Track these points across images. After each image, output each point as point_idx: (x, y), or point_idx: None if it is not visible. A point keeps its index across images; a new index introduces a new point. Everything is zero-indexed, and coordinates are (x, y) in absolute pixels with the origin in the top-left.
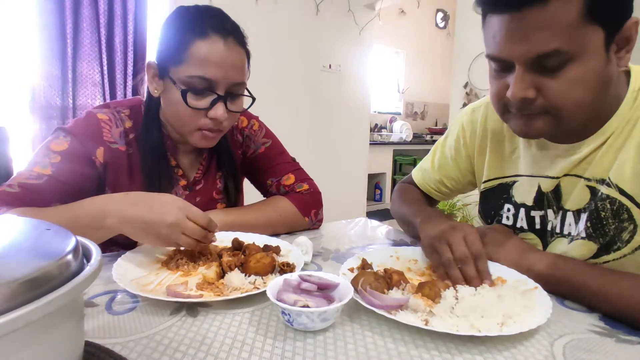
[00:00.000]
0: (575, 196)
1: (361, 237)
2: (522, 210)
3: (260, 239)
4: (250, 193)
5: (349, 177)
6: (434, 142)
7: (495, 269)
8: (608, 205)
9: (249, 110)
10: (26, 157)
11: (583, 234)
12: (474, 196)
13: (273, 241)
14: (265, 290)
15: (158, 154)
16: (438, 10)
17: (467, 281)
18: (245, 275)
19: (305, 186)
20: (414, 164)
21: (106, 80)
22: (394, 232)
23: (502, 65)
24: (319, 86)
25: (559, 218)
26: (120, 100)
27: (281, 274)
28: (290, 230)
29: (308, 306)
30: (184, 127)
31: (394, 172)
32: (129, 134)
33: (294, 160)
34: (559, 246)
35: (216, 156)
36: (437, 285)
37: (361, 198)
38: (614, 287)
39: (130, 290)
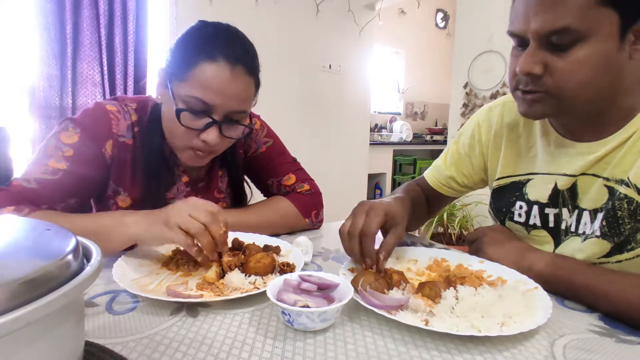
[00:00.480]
0: (592, 195)
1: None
2: (535, 208)
3: (260, 239)
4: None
5: (349, 177)
6: (434, 142)
7: (495, 268)
8: (625, 205)
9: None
10: (26, 157)
11: (598, 233)
12: (474, 196)
13: (273, 241)
14: (265, 290)
15: (160, 150)
16: (438, 10)
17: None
18: (245, 275)
19: (306, 186)
20: (414, 164)
21: (106, 81)
22: None
23: (520, 42)
24: (319, 86)
25: (574, 217)
26: (129, 96)
27: (281, 274)
28: (291, 231)
29: (308, 306)
30: (175, 142)
31: (394, 172)
32: (135, 127)
33: (294, 160)
34: (572, 244)
35: (220, 154)
36: (437, 285)
37: (361, 198)
38: (614, 286)
39: (130, 290)
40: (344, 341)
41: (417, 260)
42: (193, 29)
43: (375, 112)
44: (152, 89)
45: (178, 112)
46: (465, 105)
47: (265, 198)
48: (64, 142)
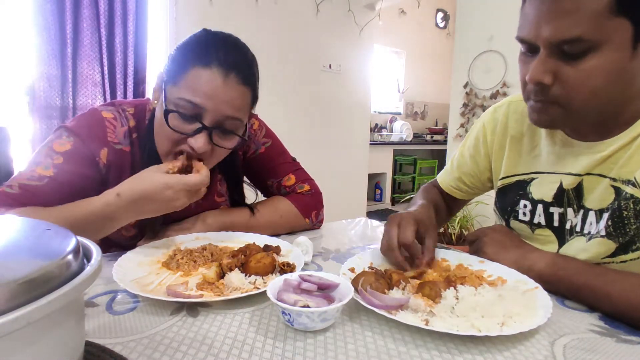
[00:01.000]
0: (598, 195)
1: (361, 237)
2: (540, 206)
3: (260, 239)
4: (250, 192)
5: (349, 177)
6: (434, 142)
7: (495, 268)
8: (631, 205)
9: None
10: (26, 157)
11: (603, 232)
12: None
13: (273, 241)
14: (265, 290)
15: (157, 156)
16: (438, 10)
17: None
18: (246, 275)
19: (306, 187)
20: (414, 163)
21: (106, 81)
22: None
23: (529, 48)
24: (319, 86)
25: (579, 217)
26: (127, 100)
27: (281, 274)
28: (291, 231)
29: (308, 306)
30: (161, 147)
31: (394, 172)
32: (132, 133)
33: (294, 160)
34: (577, 244)
35: None
36: (438, 285)
37: (361, 198)
38: (615, 286)
39: (130, 290)
40: (344, 341)
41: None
42: (193, 36)
43: (375, 112)
44: (151, 89)
45: (167, 113)
46: (465, 105)
47: (266, 198)
48: (55, 150)
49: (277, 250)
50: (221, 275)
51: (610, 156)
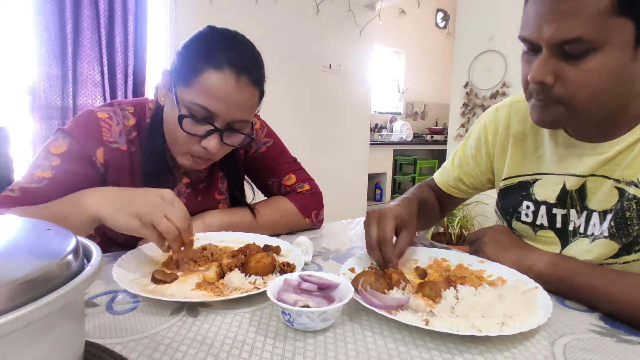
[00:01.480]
0: (602, 197)
1: (361, 237)
2: (542, 208)
3: (260, 239)
4: (249, 192)
5: (349, 177)
6: (434, 142)
7: (495, 268)
8: (634, 206)
9: None
10: (27, 157)
11: (606, 233)
12: (475, 196)
13: (273, 241)
14: (265, 290)
15: (162, 153)
16: (438, 10)
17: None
18: (246, 275)
19: (307, 187)
20: (414, 163)
21: (106, 80)
22: None
23: (531, 48)
24: (319, 86)
25: (582, 218)
26: (126, 100)
27: (281, 274)
28: (291, 231)
29: (308, 306)
30: (175, 147)
31: (394, 172)
32: (132, 132)
33: (295, 159)
34: (580, 246)
35: None
36: (438, 285)
37: (361, 198)
38: (615, 286)
39: (130, 290)
40: (344, 341)
41: (417, 260)
42: (201, 34)
43: (375, 112)
44: (151, 89)
45: (181, 118)
46: (465, 105)
47: (266, 198)
48: (52, 152)
49: (277, 250)
50: (221, 275)
51: (614, 157)
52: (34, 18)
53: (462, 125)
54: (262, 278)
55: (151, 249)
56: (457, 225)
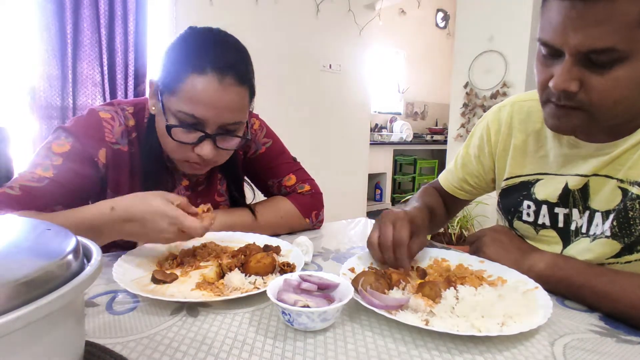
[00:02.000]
0: (605, 197)
1: (361, 237)
2: (544, 207)
3: (260, 239)
4: (249, 192)
5: (349, 177)
6: (434, 142)
7: (495, 268)
8: (637, 206)
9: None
10: (27, 157)
11: (608, 233)
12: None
13: (273, 241)
14: (265, 290)
15: (160, 154)
16: (438, 10)
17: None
18: (246, 275)
19: (307, 187)
20: (414, 164)
21: (106, 81)
22: None
23: (552, 52)
24: (319, 86)
25: (585, 218)
26: (126, 100)
27: (281, 274)
28: (291, 231)
29: (308, 306)
30: (171, 155)
31: (394, 172)
32: (132, 132)
33: (294, 159)
34: (581, 245)
35: None
36: (438, 285)
37: (361, 198)
38: (615, 286)
39: (130, 290)
40: (344, 341)
41: (417, 260)
42: (181, 38)
43: (375, 112)
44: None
45: (169, 128)
46: (465, 105)
47: (266, 198)
48: (54, 151)
49: (277, 250)
50: (221, 275)
51: (618, 157)
52: (34, 18)
53: (462, 126)
54: (262, 278)
55: (151, 249)
56: (457, 225)
